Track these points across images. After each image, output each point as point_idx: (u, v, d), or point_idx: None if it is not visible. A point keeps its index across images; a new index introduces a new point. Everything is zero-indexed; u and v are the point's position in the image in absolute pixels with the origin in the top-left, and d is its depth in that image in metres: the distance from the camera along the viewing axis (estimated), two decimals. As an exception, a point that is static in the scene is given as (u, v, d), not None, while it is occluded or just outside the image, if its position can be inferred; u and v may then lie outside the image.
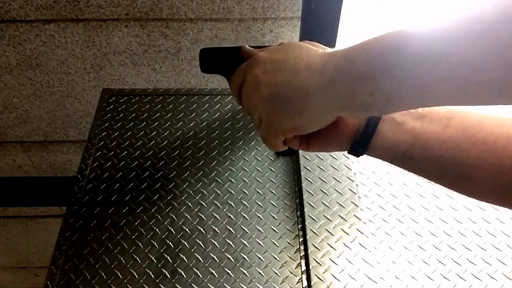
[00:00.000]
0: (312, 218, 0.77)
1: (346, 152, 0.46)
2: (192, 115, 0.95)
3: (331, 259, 0.72)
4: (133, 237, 0.76)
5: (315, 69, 0.37)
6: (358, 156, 0.45)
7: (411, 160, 0.42)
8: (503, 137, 0.38)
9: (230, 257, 0.74)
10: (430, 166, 0.42)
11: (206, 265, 0.73)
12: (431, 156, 0.41)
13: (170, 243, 0.75)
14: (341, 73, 0.34)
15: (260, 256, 0.74)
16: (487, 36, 0.25)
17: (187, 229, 0.77)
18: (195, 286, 0.71)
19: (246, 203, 0.81)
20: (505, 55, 0.24)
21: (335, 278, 0.70)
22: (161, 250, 0.75)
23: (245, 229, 0.77)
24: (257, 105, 0.42)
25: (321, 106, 0.37)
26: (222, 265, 0.73)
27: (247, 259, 0.74)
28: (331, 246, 0.74)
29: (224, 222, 0.78)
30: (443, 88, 0.28)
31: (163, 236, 0.76)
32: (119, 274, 0.72)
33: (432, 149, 0.40)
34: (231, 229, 0.77)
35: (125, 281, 0.71)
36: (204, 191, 0.82)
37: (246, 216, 0.79)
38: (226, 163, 0.86)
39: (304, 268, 0.73)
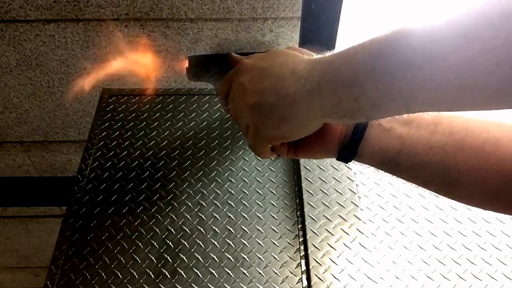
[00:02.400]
0: (312, 218, 0.77)
1: (336, 159, 0.46)
2: (192, 115, 0.95)
3: (331, 259, 0.72)
4: (133, 237, 0.76)
5: (301, 76, 0.36)
6: (346, 162, 0.45)
7: (398, 166, 0.42)
8: (490, 141, 0.38)
9: (230, 257, 0.74)
10: (418, 172, 0.42)
11: (206, 265, 0.73)
12: (419, 161, 0.41)
13: (170, 243, 0.75)
14: (326, 79, 0.34)
15: (260, 256, 0.74)
16: (470, 40, 0.25)
17: (187, 229, 0.77)
18: (195, 286, 0.71)
19: (246, 203, 0.81)
20: (489, 59, 0.24)
21: (335, 278, 0.70)
22: (161, 250, 0.74)
23: (245, 229, 0.77)
24: (243, 113, 0.41)
25: (307, 113, 0.36)
26: (222, 265, 0.73)
27: (247, 259, 0.74)
28: (331, 246, 0.74)
29: (224, 222, 0.78)
30: (427, 94, 0.28)
31: (163, 236, 0.76)
32: (119, 274, 0.72)
33: (419, 155, 0.40)
34: (231, 229, 0.77)
35: (125, 281, 0.71)
36: (204, 191, 0.82)
37: (246, 216, 0.79)
38: (226, 163, 0.86)
39: (304, 268, 0.73)
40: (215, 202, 0.81)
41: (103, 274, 0.72)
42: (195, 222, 0.78)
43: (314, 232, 0.76)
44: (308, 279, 0.71)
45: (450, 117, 0.41)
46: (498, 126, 0.39)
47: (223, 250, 0.75)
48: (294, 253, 0.74)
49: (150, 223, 0.78)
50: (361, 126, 0.42)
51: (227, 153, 0.88)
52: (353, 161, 0.45)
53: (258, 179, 0.84)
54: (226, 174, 0.85)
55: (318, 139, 0.44)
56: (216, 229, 0.77)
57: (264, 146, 0.42)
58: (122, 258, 0.74)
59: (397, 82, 0.29)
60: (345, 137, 0.43)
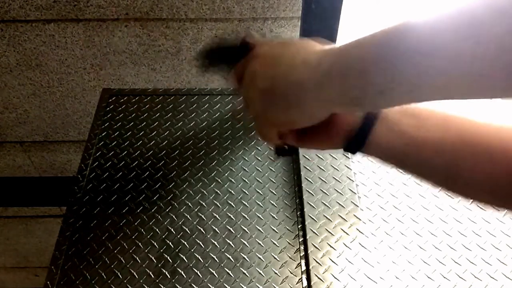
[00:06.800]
0: (312, 218, 0.77)
1: (343, 149, 0.46)
2: (192, 115, 0.95)
3: (331, 259, 0.72)
4: (133, 237, 0.76)
5: (311, 64, 0.37)
6: (353, 153, 0.45)
7: (405, 161, 0.42)
8: (501, 143, 0.38)
9: (230, 257, 0.74)
10: (424, 168, 0.42)
11: (206, 265, 0.73)
12: (426, 157, 0.41)
13: (170, 243, 0.75)
14: (335, 68, 0.34)
15: (260, 256, 0.74)
16: (474, 29, 0.25)
17: (187, 229, 0.77)
18: (195, 286, 0.71)
19: (246, 203, 0.81)
20: (493, 45, 0.25)
21: (335, 278, 0.70)
22: (161, 250, 0.75)
23: (245, 229, 0.77)
24: (254, 98, 0.42)
25: (315, 101, 0.37)
26: (222, 265, 0.73)
27: (247, 259, 0.74)
28: (331, 246, 0.74)
29: (224, 222, 0.78)
30: (434, 81, 0.29)
31: (163, 236, 0.76)
32: (119, 274, 0.72)
33: (427, 152, 0.41)
34: (231, 229, 0.77)
35: (125, 281, 0.71)
36: (204, 191, 0.82)
37: (246, 216, 0.79)
38: (226, 163, 0.86)
39: (304, 268, 0.73)
40: (215, 202, 0.81)
41: (103, 274, 0.72)
42: (195, 222, 0.78)
43: (314, 232, 0.76)
44: (308, 279, 0.71)
45: (459, 116, 0.41)
46: (508, 128, 0.39)
47: (223, 250, 0.75)
48: (294, 253, 0.74)
49: (150, 223, 0.78)
50: (370, 118, 0.42)
51: (227, 153, 0.88)
52: (358, 155, 0.45)
53: (258, 179, 0.84)
54: (226, 174, 0.85)
55: (326, 129, 0.44)
56: (216, 229, 0.77)
57: (271, 131, 0.43)
58: (122, 258, 0.74)
59: (404, 69, 0.29)
60: (353, 128, 0.44)
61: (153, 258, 0.74)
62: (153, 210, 0.80)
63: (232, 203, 0.81)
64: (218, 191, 0.82)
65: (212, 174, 0.85)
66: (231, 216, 0.79)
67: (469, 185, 0.40)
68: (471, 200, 0.44)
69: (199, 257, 0.74)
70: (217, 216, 0.79)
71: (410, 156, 0.42)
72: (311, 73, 0.37)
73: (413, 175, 0.44)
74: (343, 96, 0.34)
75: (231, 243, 0.75)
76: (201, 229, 0.77)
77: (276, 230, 0.77)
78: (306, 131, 0.44)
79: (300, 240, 0.76)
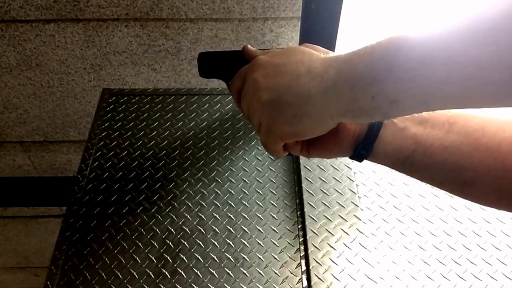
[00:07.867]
0: (312, 218, 0.77)
1: (349, 158, 0.45)
2: (192, 115, 0.95)
3: (331, 259, 0.72)
4: (133, 237, 0.76)
5: (317, 74, 0.36)
6: (360, 161, 0.44)
7: (413, 166, 0.42)
8: (507, 141, 0.38)
9: (230, 257, 0.74)
10: (433, 172, 0.41)
11: (206, 265, 0.73)
12: (434, 161, 0.40)
13: (170, 243, 0.75)
14: (342, 77, 0.33)
15: (260, 256, 0.74)
16: (493, 35, 0.25)
17: (187, 229, 0.77)
18: (195, 286, 0.71)
19: (246, 203, 0.81)
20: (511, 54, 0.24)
21: (335, 278, 0.70)
22: (161, 250, 0.74)
23: (245, 229, 0.77)
24: (256, 109, 0.41)
25: (322, 111, 0.36)
26: (222, 265, 0.73)
27: (247, 259, 0.74)
28: (331, 246, 0.74)
29: (224, 222, 0.78)
30: (449, 89, 0.27)
31: (163, 236, 0.76)
32: (119, 274, 0.72)
33: (434, 155, 0.40)
34: (231, 229, 0.77)
35: (125, 281, 0.71)
36: (204, 191, 0.82)
37: (246, 216, 0.79)
38: (226, 163, 0.86)
39: (304, 268, 0.73)
40: (215, 202, 0.81)
41: (103, 274, 0.72)
42: (195, 222, 0.78)
43: (314, 232, 0.76)
44: (308, 279, 0.71)
45: (466, 116, 0.40)
46: None
47: (223, 250, 0.75)
48: (294, 253, 0.74)
49: (150, 223, 0.78)
50: (375, 125, 0.42)
51: (227, 153, 0.88)
52: (365, 160, 0.45)
53: (258, 179, 0.84)
54: (226, 174, 0.85)
55: (331, 137, 0.43)
56: (216, 229, 0.77)
57: (276, 144, 0.42)
58: (122, 258, 0.74)
59: (417, 78, 0.28)
60: (359, 136, 0.43)
61: (153, 258, 0.74)
62: (153, 210, 0.80)
63: (232, 203, 0.81)
64: (218, 191, 0.82)
65: (212, 174, 0.85)
66: (231, 216, 0.79)
67: (477, 186, 0.40)
68: (483, 204, 0.43)
69: (199, 257, 0.74)
70: (217, 216, 0.79)
71: (417, 160, 0.41)
72: (317, 83, 0.36)
73: (423, 181, 0.43)
74: (351, 106, 0.33)
75: (231, 243, 0.75)
76: (201, 229, 0.77)
77: (276, 230, 0.77)
78: (311, 141, 0.43)
79: (300, 240, 0.76)
